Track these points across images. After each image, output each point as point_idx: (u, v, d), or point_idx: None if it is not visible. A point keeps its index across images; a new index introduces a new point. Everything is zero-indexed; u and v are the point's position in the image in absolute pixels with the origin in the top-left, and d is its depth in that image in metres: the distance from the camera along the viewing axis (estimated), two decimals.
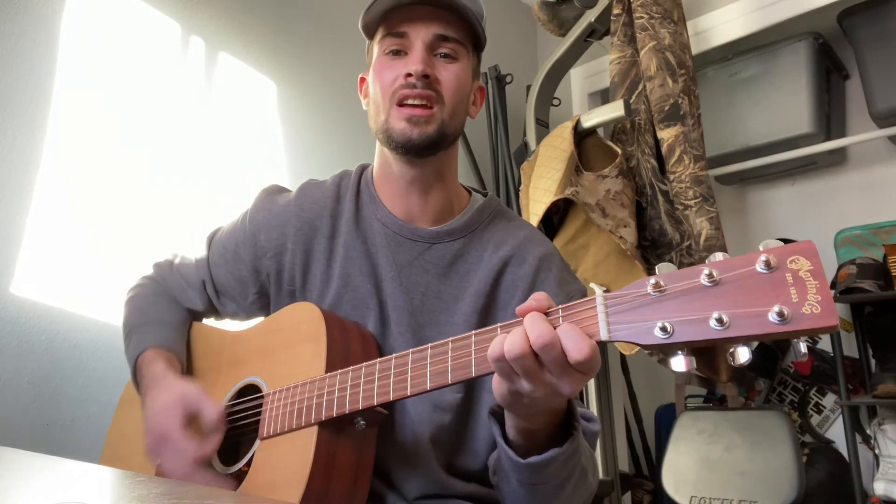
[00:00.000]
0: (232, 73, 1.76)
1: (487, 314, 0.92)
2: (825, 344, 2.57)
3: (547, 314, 0.63)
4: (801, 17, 2.20)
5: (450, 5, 0.89)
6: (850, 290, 2.17)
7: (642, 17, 1.97)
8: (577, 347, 0.59)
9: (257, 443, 0.86)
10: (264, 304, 1.02)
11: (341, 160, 1.94)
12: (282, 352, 0.91)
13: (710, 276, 0.55)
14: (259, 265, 1.00)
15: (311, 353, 0.85)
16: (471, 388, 0.91)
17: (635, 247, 1.93)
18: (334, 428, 0.81)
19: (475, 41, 0.95)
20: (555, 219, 2.04)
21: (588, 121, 2.03)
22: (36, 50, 1.38)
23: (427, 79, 0.88)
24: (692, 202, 1.85)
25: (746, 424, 1.86)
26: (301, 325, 0.89)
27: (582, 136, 2.06)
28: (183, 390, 0.87)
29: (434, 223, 0.96)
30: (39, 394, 1.31)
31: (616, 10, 2.07)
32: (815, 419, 2.57)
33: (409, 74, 0.87)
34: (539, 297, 0.64)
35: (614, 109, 1.98)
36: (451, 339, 0.71)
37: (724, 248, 1.85)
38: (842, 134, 2.63)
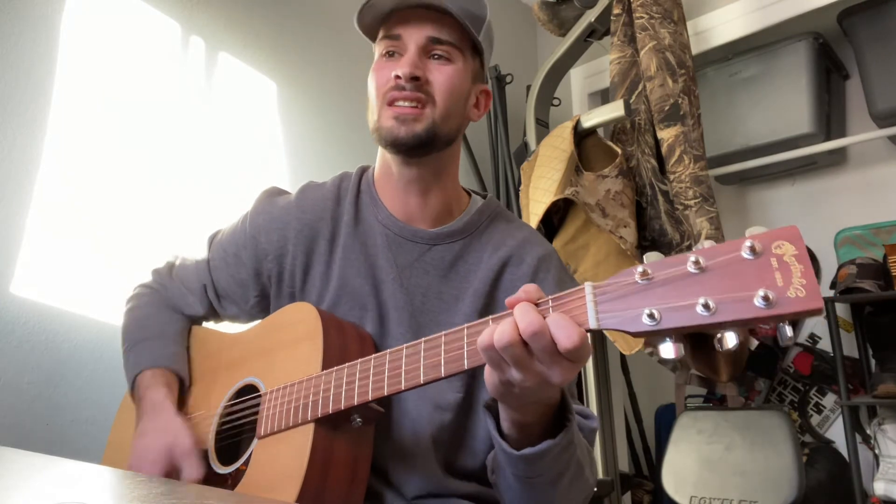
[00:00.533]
0: (232, 73, 1.76)
1: (487, 314, 0.92)
2: (825, 344, 2.57)
3: (537, 305, 0.63)
4: (801, 17, 2.20)
5: (444, 8, 0.89)
6: (850, 290, 2.17)
7: (642, 17, 1.97)
8: (566, 335, 0.59)
9: (255, 442, 0.87)
10: (265, 306, 1.02)
11: (341, 160, 1.94)
12: (279, 352, 0.91)
13: (696, 262, 0.55)
14: (260, 267, 1.00)
15: (308, 353, 0.85)
16: (471, 387, 0.91)
17: (635, 247, 1.93)
18: (331, 425, 0.81)
19: (474, 44, 0.94)
20: (555, 219, 2.04)
21: (588, 121, 2.04)
22: (36, 50, 1.38)
23: (417, 80, 0.88)
24: (692, 202, 1.85)
25: (746, 424, 1.86)
26: (298, 324, 0.89)
27: (582, 136, 2.07)
28: (174, 440, 0.88)
29: (434, 225, 0.97)
30: (39, 394, 1.31)
31: (616, 10, 2.07)
32: (815, 419, 2.57)
33: (399, 76, 0.88)
34: (528, 289, 0.65)
35: (614, 109, 1.98)
36: (443, 332, 0.72)
37: None
38: (842, 134, 2.63)
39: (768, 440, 1.80)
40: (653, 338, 0.57)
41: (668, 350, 0.56)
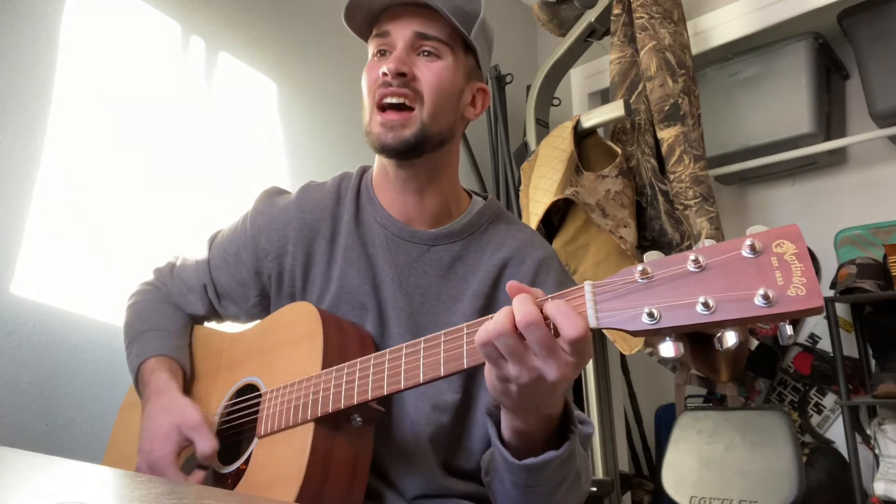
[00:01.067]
0: (232, 73, 1.76)
1: (487, 315, 0.92)
2: (825, 344, 2.57)
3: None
4: (801, 17, 2.20)
5: (431, 5, 0.89)
6: (850, 290, 2.17)
7: (642, 17, 1.97)
8: (570, 325, 0.59)
9: (255, 441, 0.87)
10: (265, 306, 1.02)
11: (341, 160, 1.94)
12: (279, 351, 0.91)
13: (696, 261, 0.55)
14: (260, 267, 1.00)
15: (308, 352, 0.85)
16: (470, 388, 0.91)
17: (635, 247, 1.93)
18: (330, 425, 0.81)
19: (466, 40, 0.94)
20: (555, 219, 2.04)
21: (588, 121, 2.04)
22: (36, 50, 1.38)
23: (403, 77, 0.88)
24: (692, 202, 1.85)
25: (746, 424, 1.86)
26: (298, 324, 0.89)
27: (582, 136, 2.07)
28: (182, 415, 0.88)
29: (432, 225, 0.97)
30: (39, 394, 1.31)
31: (616, 10, 2.07)
32: (815, 419, 2.57)
33: (385, 73, 0.88)
34: (531, 288, 0.65)
35: (614, 109, 1.98)
36: (443, 331, 0.71)
37: None
38: (842, 134, 2.63)
39: (768, 440, 1.80)
40: (652, 337, 0.57)
41: (667, 349, 0.56)
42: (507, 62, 2.44)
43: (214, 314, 1.07)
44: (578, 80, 2.74)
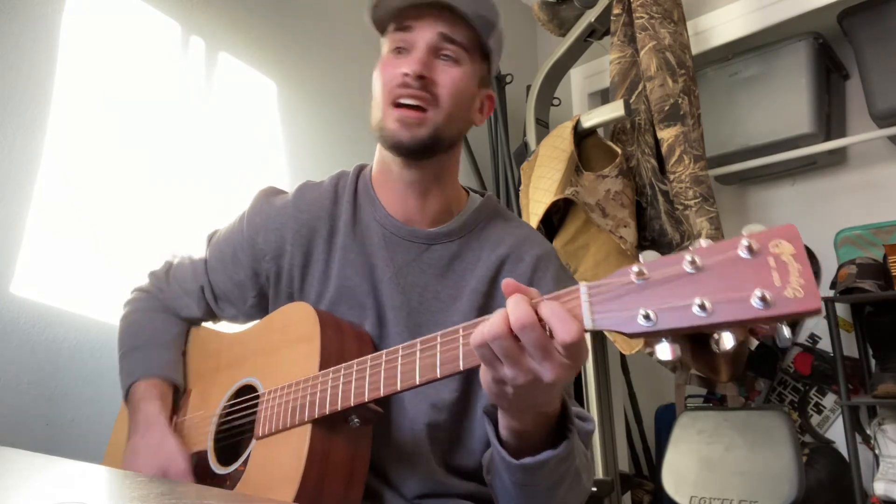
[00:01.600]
0: (232, 73, 1.76)
1: (486, 312, 0.92)
2: (825, 344, 2.57)
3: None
4: (801, 17, 2.20)
5: (458, 9, 0.88)
6: (850, 290, 2.17)
7: (642, 17, 1.97)
8: (565, 329, 0.58)
9: (253, 442, 0.87)
10: (263, 306, 1.02)
11: (341, 160, 1.94)
12: (277, 352, 0.91)
13: (692, 262, 0.54)
14: (258, 268, 1.00)
15: (306, 353, 0.85)
16: (467, 385, 0.91)
17: (635, 247, 1.93)
18: (328, 426, 0.81)
19: (483, 48, 0.94)
20: (555, 219, 2.04)
21: (588, 121, 2.03)
22: (36, 50, 1.38)
23: (423, 80, 0.88)
24: (692, 202, 1.85)
25: (746, 424, 1.86)
26: (296, 325, 0.89)
27: (582, 136, 2.06)
28: (168, 461, 0.88)
29: (432, 224, 0.97)
30: (39, 394, 1.31)
31: (616, 10, 2.07)
32: (815, 419, 2.57)
33: (407, 74, 0.87)
34: (526, 287, 0.64)
35: (614, 109, 1.98)
36: (439, 333, 0.71)
37: None
38: (842, 134, 2.63)
39: (768, 440, 1.80)
40: (649, 338, 0.57)
41: (664, 351, 0.56)
42: (507, 62, 2.43)
43: (212, 316, 1.07)
44: (578, 80, 2.74)
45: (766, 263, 0.52)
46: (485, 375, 0.66)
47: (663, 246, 1.97)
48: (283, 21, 1.90)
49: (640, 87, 2.00)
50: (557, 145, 2.01)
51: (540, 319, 0.61)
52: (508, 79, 2.42)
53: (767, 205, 2.83)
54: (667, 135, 1.90)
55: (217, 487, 0.87)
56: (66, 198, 1.39)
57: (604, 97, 2.70)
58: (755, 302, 0.51)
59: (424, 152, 0.90)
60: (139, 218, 1.50)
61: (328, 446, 0.80)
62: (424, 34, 0.89)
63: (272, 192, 1.06)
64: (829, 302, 2.20)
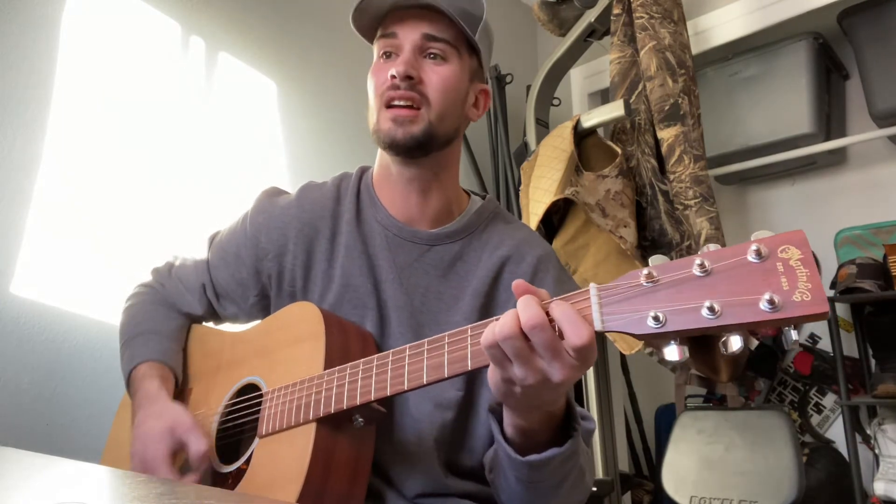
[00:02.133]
0: (232, 73, 1.76)
1: (487, 313, 0.93)
2: (825, 344, 2.57)
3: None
4: (801, 17, 2.20)
5: (438, 7, 0.89)
6: (850, 290, 2.17)
7: (642, 17, 1.97)
8: (575, 332, 0.59)
9: (256, 441, 0.87)
10: (264, 305, 1.02)
11: (341, 160, 1.94)
12: (281, 351, 0.91)
13: (701, 266, 0.56)
14: (260, 267, 1.00)
15: (310, 352, 0.85)
16: (472, 385, 0.91)
17: (635, 247, 1.93)
18: (332, 425, 0.81)
19: (471, 42, 0.94)
20: (555, 219, 2.04)
21: (588, 121, 2.04)
22: (36, 50, 1.38)
23: (411, 80, 0.89)
24: (692, 202, 1.85)
25: (746, 424, 1.86)
26: (300, 324, 0.89)
27: (582, 136, 2.07)
28: (174, 419, 0.87)
29: (433, 225, 0.97)
30: (39, 394, 1.31)
31: (616, 10, 2.07)
32: (815, 419, 2.57)
33: (394, 76, 0.88)
34: (536, 288, 0.65)
35: (614, 109, 1.98)
36: (447, 333, 0.72)
37: None
38: (842, 134, 2.63)
39: (768, 440, 1.80)
40: (657, 340, 0.58)
41: (672, 353, 0.57)
42: (507, 62, 2.44)
43: (213, 314, 1.07)
44: (578, 80, 2.74)
45: (775, 268, 0.53)
46: (494, 375, 0.66)
47: (663, 246, 1.97)
48: (283, 21, 1.90)
49: (640, 87, 2.01)
50: (557, 145, 2.01)
51: (550, 320, 0.61)
52: (508, 79, 2.42)
53: (767, 205, 2.83)
54: (667, 135, 1.90)
55: (219, 486, 0.87)
56: (66, 198, 1.39)
57: (604, 97, 2.70)
58: (763, 305, 0.52)
59: (420, 149, 0.90)
60: (139, 218, 1.50)
61: (332, 445, 0.80)
62: (409, 36, 0.91)
63: (275, 193, 1.06)
64: (829, 302, 2.19)
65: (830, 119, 2.56)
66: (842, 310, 2.42)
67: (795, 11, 2.19)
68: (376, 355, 0.78)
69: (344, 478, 0.80)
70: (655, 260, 0.59)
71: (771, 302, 0.51)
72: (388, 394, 0.75)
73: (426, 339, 0.73)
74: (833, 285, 2.30)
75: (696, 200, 1.85)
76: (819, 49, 2.49)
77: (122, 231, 1.47)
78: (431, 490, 0.88)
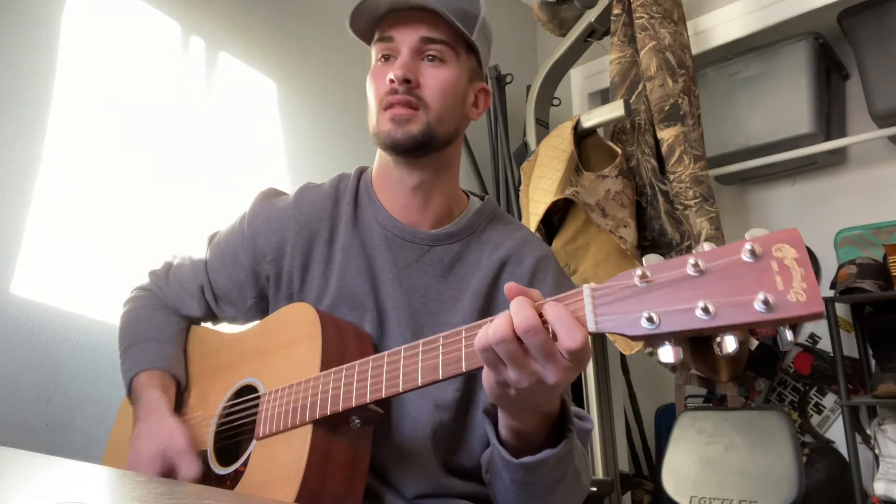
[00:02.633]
0: (232, 73, 1.76)
1: (487, 314, 0.93)
2: (825, 344, 2.57)
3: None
4: (801, 17, 2.20)
5: (435, 9, 0.89)
6: (850, 290, 2.17)
7: (642, 17, 1.97)
8: (569, 335, 0.59)
9: (253, 443, 0.87)
10: (263, 307, 1.02)
11: (341, 160, 1.94)
12: (278, 352, 0.91)
13: (695, 265, 0.55)
14: (258, 269, 1.00)
15: (307, 353, 0.85)
16: (470, 385, 0.91)
17: (635, 247, 1.93)
18: (329, 427, 0.81)
19: (468, 41, 0.94)
20: (555, 219, 2.04)
21: (588, 121, 2.04)
22: (36, 50, 1.38)
23: (409, 83, 0.88)
24: (692, 202, 1.85)
25: (746, 424, 1.86)
26: (297, 325, 0.89)
27: (582, 136, 2.07)
28: (166, 442, 0.88)
29: (433, 226, 0.97)
30: (39, 394, 1.31)
31: (616, 10, 2.07)
32: (815, 419, 2.57)
33: (392, 80, 0.88)
34: (529, 291, 0.64)
35: (614, 109, 1.98)
36: (442, 334, 0.71)
37: None
38: (842, 134, 2.63)
39: (768, 440, 1.80)
40: (652, 341, 0.57)
41: (667, 354, 0.56)
42: (507, 62, 2.44)
43: (211, 316, 1.07)
44: (578, 80, 2.74)
45: (769, 267, 0.52)
46: (488, 378, 0.66)
47: (663, 246, 1.97)
48: (283, 21, 1.90)
49: (640, 87, 2.01)
50: (557, 145, 2.01)
51: (544, 322, 0.61)
52: (508, 79, 2.42)
53: (767, 205, 2.83)
54: (667, 135, 1.90)
55: (216, 488, 0.87)
56: (66, 198, 1.39)
57: (604, 97, 2.70)
58: (758, 305, 0.51)
59: (420, 149, 0.90)
60: (139, 218, 1.50)
61: (329, 447, 0.80)
62: (406, 39, 0.90)
63: (272, 194, 1.06)
64: (829, 302, 2.20)
65: (830, 119, 2.56)
66: (842, 310, 2.41)
67: (795, 11, 2.19)
68: (372, 357, 0.78)
69: (341, 479, 0.80)
70: (649, 259, 0.58)
71: (765, 302, 0.50)
72: (384, 395, 0.75)
73: (421, 341, 0.73)
74: (833, 285, 2.30)
75: (696, 200, 1.85)
76: (819, 49, 2.49)
77: (122, 231, 1.47)
78: (430, 491, 0.88)
